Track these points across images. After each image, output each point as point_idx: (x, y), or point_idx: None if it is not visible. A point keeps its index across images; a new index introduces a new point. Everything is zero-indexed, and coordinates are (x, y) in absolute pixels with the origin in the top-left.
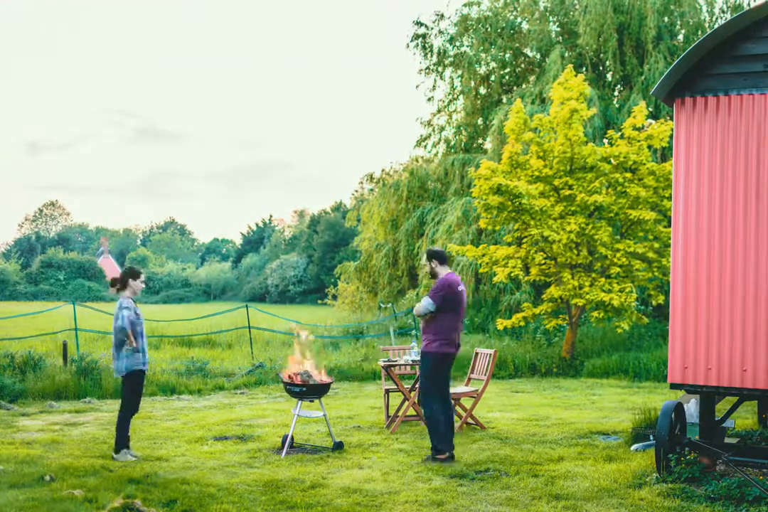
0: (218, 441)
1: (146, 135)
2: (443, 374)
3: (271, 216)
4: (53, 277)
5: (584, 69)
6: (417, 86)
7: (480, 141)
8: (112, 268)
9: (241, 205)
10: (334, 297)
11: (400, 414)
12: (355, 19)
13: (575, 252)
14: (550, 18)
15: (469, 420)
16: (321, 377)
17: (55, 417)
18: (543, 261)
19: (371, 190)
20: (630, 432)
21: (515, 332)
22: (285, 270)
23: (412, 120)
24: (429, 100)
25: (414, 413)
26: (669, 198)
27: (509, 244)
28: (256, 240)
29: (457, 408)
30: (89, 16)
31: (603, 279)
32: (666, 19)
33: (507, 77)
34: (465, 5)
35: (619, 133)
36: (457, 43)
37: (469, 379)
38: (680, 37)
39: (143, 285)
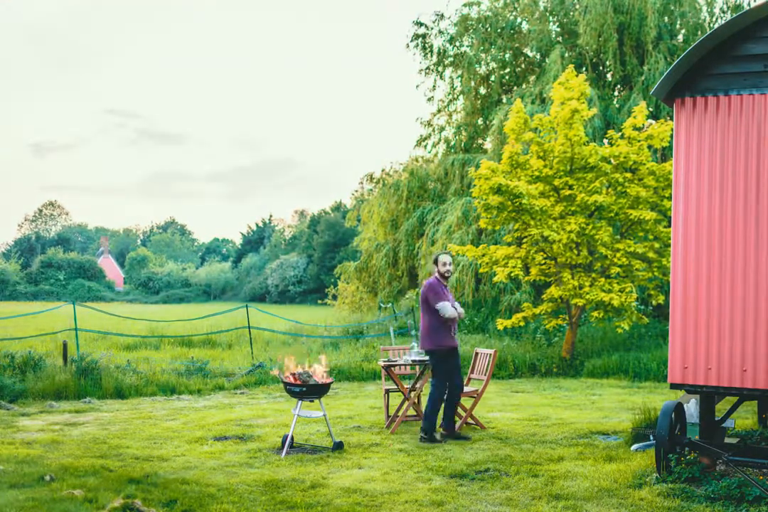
0: (218, 441)
1: (147, 135)
2: (452, 363)
3: (271, 216)
4: (53, 277)
5: (584, 69)
6: (417, 86)
7: (480, 141)
8: (112, 268)
9: (241, 205)
10: (334, 297)
11: (400, 414)
12: (355, 19)
13: (575, 252)
14: (550, 18)
15: (469, 420)
16: (321, 375)
17: (55, 417)
18: (543, 261)
19: (371, 190)
20: (630, 432)
21: (515, 332)
22: (285, 270)
23: (412, 120)
24: (429, 100)
25: (414, 413)
26: (669, 198)
27: (509, 244)
28: (256, 240)
29: (457, 408)
30: (90, 17)
31: (603, 279)
32: (666, 19)
33: (507, 77)
34: (465, 5)
35: (620, 133)
36: (457, 43)
37: (469, 379)
38: (680, 37)
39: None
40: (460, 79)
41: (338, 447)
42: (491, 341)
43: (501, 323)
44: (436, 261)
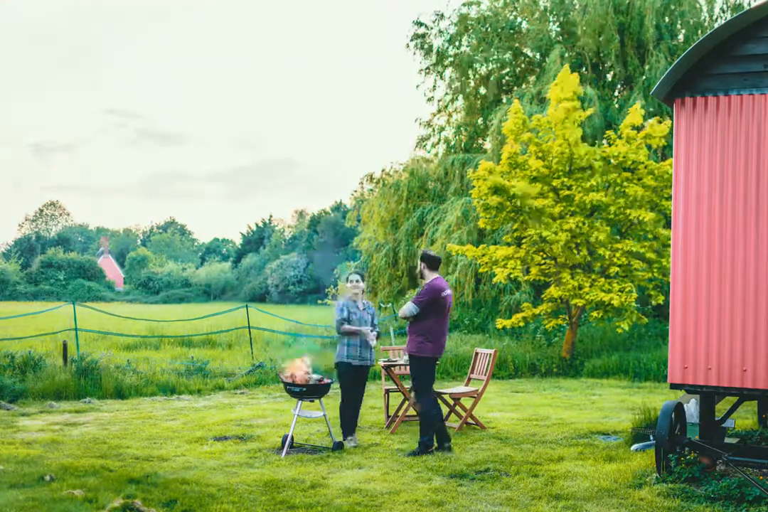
0: (218, 441)
1: (147, 136)
2: (431, 374)
3: (271, 216)
4: (53, 277)
5: (584, 69)
6: (417, 86)
7: (480, 141)
8: (112, 268)
9: (241, 205)
10: (334, 297)
11: (400, 414)
12: (354, 19)
13: (575, 252)
14: (550, 18)
15: (469, 420)
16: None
17: (55, 417)
18: (542, 262)
19: (371, 190)
20: (630, 432)
21: (515, 332)
22: (285, 270)
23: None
24: (429, 100)
25: (414, 413)
26: (668, 198)
27: (509, 244)
28: (256, 240)
29: (457, 408)
30: (90, 17)
31: (603, 280)
32: (666, 19)
33: (507, 77)
34: (465, 5)
35: (618, 133)
36: (457, 43)
37: (469, 379)
38: (680, 37)
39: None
40: (460, 79)
41: (338, 447)
42: (491, 341)
43: (501, 323)
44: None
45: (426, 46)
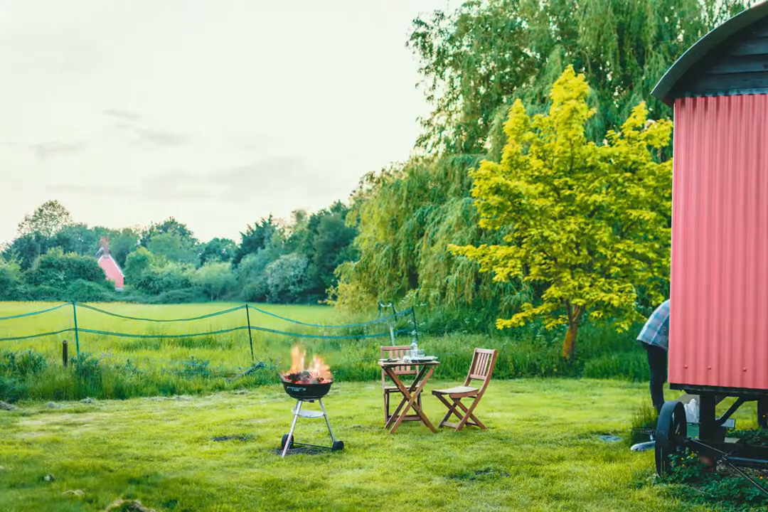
0: (218, 441)
1: (149, 136)
2: None
3: (271, 216)
4: (53, 277)
5: (584, 69)
6: (416, 85)
7: (480, 141)
8: (112, 268)
9: (241, 205)
10: (334, 297)
11: (400, 414)
12: (354, 19)
13: (575, 252)
14: (550, 18)
15: (469, 420)
16: (321, 376)
17: (55, 417)
18: (543, 261)
19: (371, 190)
20: (630, 432)
21: (515, 332)
22: (285, 270)
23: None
24: (429, 99)
25: (414, 413)
26: (669, 198)
27: (509, 244)
28: (256, 240)
29: (457, 408)
30: (92, 18)
31: (603, 279)
32: (666, 19)
33: (507, 77)
34: (465, 5)
35: (619, 133)
36: (457, 43)
37: (469, 379)
38: (680, 37)
39: None
40: (459, 78)
41: (338, 447)
42: (491, 341)
43: (501, 323)
44: None
45: (426, 45)
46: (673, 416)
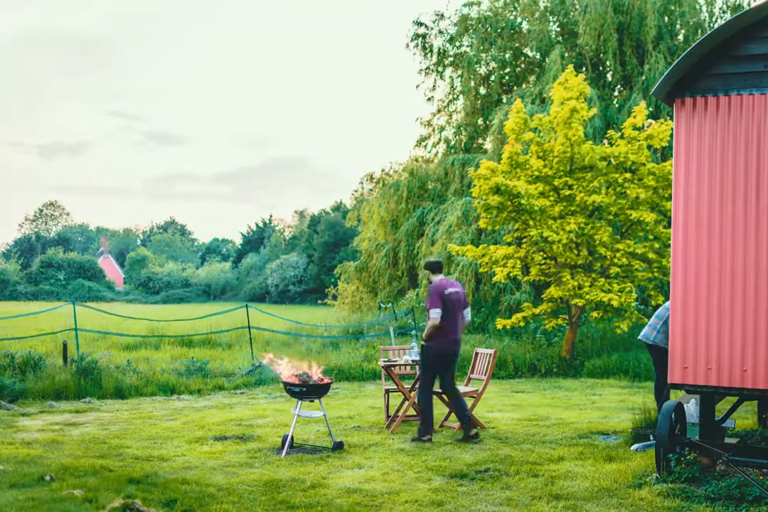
0: (218, 441)
1: (150, 137)
2: (438, 368)
3: (271, 216)
4: (53, 277)
5: (584, 69)
6: (417, 86)
7: (480, 141)
8: (112, 268)
9: (241, 205)
10: (334, 297)
11: (400, 414)
12: (354, 19)
13: (575, 252)
14: (550, 18)
15: None
16: (320, 377)
17: (55, 417)
18: (543, 262)
19: (371, 190)
20: (630, 432)
21: (515, 332)
22: (285, 270)
23: (412, 120)
24: (429, 100)
25: (414, 413)
26: (669, 198)
27: (509, 244)
28: (256, 240)
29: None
30: (94, 19)
31: (603, 280)
32: (666, 19)
33: (507, 77)
34: (465, 5)
35: (619, 133)
36: (457, 43)
37: (469, 379)
38: (680, 37)
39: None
40: (460, 79)
41: (338, 447)
42: (491, 341)
43: (501, 323)
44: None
45: (426, 46)
46: (673, 416)
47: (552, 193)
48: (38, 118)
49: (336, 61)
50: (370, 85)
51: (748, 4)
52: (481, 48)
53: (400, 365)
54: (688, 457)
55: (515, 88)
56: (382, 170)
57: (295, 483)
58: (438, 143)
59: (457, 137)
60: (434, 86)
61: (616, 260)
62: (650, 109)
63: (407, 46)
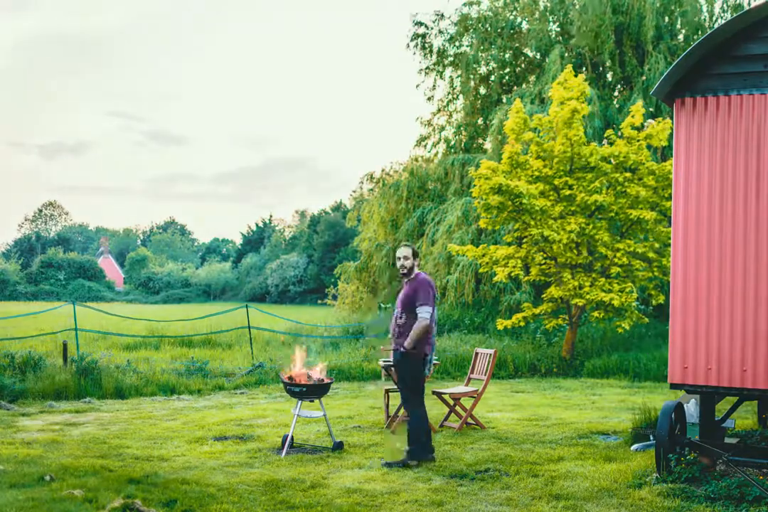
0: (218, 441)
1: (151, 137)
2: (423, 375)
3: (271, 216)
4: (53, 277)
5: (584, 69)
6: (417, 86)
7: (480, 141)
8: (112, 268)
9: (241, 205)
10: (334, 297)
11: (400, 414)
12: (354, 19)
13: (575, 252)
14: (550, 18)
15: (469, 420)
16: (320, 377)
17: (55, 417)
18: (543, 261)
19: (371, 189)
20: (630, 432)
21: (515, 332)
22: (285, 270)
23: (412, 120)
24: (429, 99)
25: None
26: (669, 198)
27: (509, 244)
28: (256, 240)
29: (457, 408)
30: (95, 18)
31: (603, 279)
32: (666, 19)
33: (507, 77)
34: (465, 5)
35: (618, 133)
36: (457, 43)
37: (469, 379)
38: (680, 37)
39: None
40: (459, 78)
41: (338, 447)
42: (491, 341)
43: (501, 323)
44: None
45: (426, 45)
46: (673, 416)
47: (552, 193)
48: (39, 118)
49: (336, 61)
50: (371, 84)
51: (748, 4)
52: (481, 48)
53: None
54: (688, 457)
55: (515, 87)
56: (382, 170)
57: (295, 483)
58: (438, 143)
59: (457, 137)
60: (434, 86)
61: (616, 260)
62: (650, 109)
63: (407, 45)
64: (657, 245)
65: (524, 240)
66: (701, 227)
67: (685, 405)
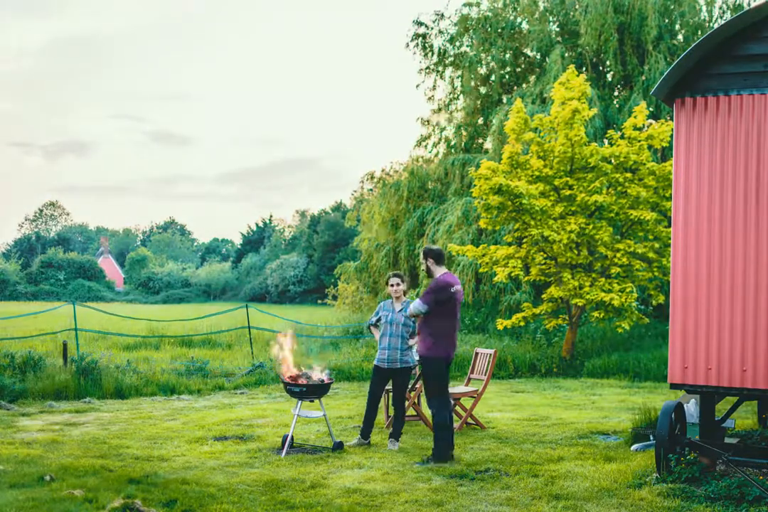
0: (218, 441)
1: (153, 138)
2: (446, 376)
3: (271, 216)
4: (53, 277)
5: (584, 69)
6: (417, 86)
7: (480, 141)
8: (112, 268)
9: (241, 205)
10: (334, 297)
11: None
12: (354, 19)
13: (575, 252)
14: (550, 18)
15: (469, 420)
16: (321, 377)
17: (55, 417)
18: (543, 261)
19: (371, 190)
20: (630, 432)
21: (515, 332)
22: (285, 270)
23: (412, 120)
24: (429, 99)
25: (414, 413)
26: (669, 198)
27: (509, 244)
28: (256, 240)
29: (457, 408)
30: (96, 19)
31: (603, 280)
32: (666, 19)
33: (507, 77)
34: (465, 5)
35: (620, 133)
36: (458, 43)
37: (469, 379)
38: (680, 37)
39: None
40: (460, 78)
41: (338, 447)
42: (491, 341)
43: (501, 323)
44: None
45: (426, 45)
46: (673, 416)
47: (552, 193)
48: (42, 118)
49: (336, 61)
50: (371, 85)
51: (748, 4)
52: (482, 48)
53: None
54: (688, 457)
55: (515, 87)
56: (383, 170)
57: (295, 483)
58: (438, 143)
59: (457, 137)
60: (434, 86)
61: (616, 260)
62: (651, 109)
63: (407, 45)
64: (657, 245)
65: (524, 240)
66: (701, 227)
67: (685, 405)
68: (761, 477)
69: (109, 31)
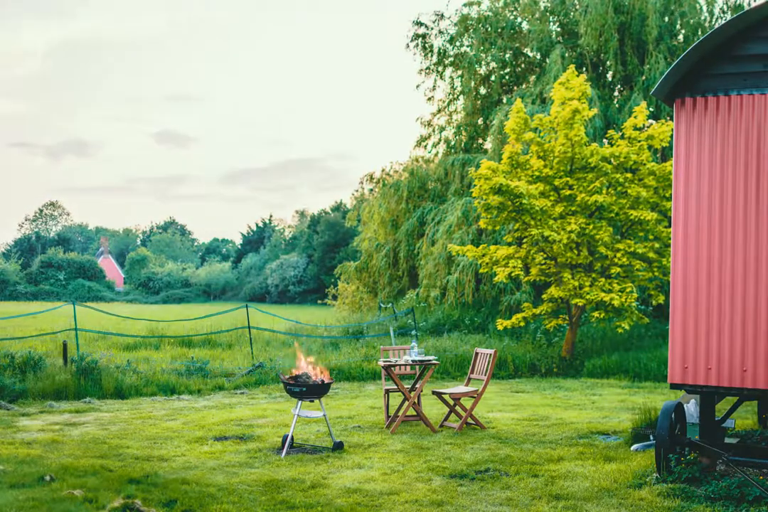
0: (218, 441)
1: (154, 138)
2: None
3: (271, 216)
4: (53, 277)
5: (584, 69)
6: (417, 86)
7: (480, 141)
8: (112, 268)
9: (242, 205)
10: (334, 297)
11: (400, 414)
12: (354, 19)
13: (575, 252)
14: (551, 18)
15: (469, 420)
16: (321, 377)
17: (55, 417)
18: (543, 262)
19: (371, 190)
20: (630, 432)
21: (515, 332)
22: (285, 270)
23: (412, 120)
24: (429, 100)
25: (414, 413)
26: (669, 198)
27: (509, 244)
28: (256, 240)
29: (457, 408)
30: (97, 17)
31: (603, 280)
32: (666, 19)
33: (507, 77)
34: (465, 5)
35: (620, 133)
36: (457, 43)
37: (469, 379)
38: (680, 37)
39: None
40: (460, 79)
41: (338, 447)
42: (491, 341)
43: (501, 323)
44: None
45: (426, 46)
46: (673, 416)
47: (552, 193)
48: (45, 118)
49: (337, 62)
50: (371, 85)
51: (748, 4)
52: (481, 48)
53: (400, 365)
54: (688, 457)
55: (515, 88)
56: (383, 170)
57: (295, 483)
58: (438, 143)
59: (457, 137)
60: (434, 86)
61: (616, 260)
62: (651, 109)
63: (407, 46)
64: (657, 245)
65: (524, 240)
66: (701, 227)
67: (685, 405)
68: (761, 477)
69: (113, 34)
